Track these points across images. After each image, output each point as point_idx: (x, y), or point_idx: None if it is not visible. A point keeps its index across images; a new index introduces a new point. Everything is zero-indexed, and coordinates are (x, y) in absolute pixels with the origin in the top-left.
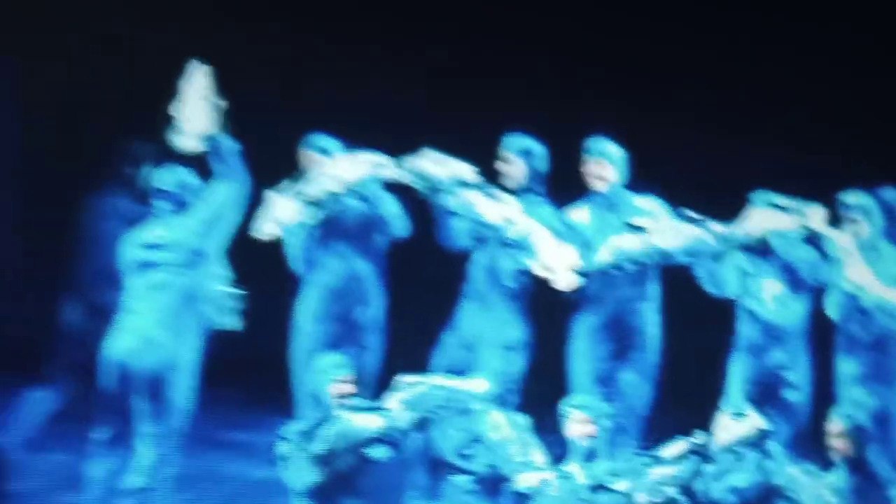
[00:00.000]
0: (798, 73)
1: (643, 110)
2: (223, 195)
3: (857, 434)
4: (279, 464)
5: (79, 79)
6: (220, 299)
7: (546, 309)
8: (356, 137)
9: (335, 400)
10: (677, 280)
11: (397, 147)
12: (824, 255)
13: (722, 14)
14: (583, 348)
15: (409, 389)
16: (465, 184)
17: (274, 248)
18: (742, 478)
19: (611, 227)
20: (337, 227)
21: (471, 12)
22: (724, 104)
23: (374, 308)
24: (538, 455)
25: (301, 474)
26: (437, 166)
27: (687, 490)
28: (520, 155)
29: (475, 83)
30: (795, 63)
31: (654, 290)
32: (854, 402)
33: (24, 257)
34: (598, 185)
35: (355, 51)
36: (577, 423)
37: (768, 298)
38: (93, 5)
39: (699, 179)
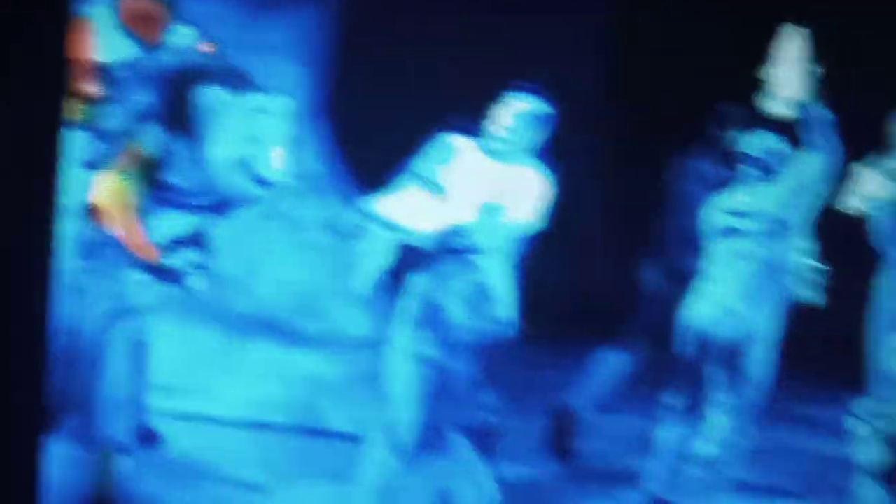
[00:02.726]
0: None
1: None
2: (812, 165)
3: None
4: (849, 441)
5: (674, 41)
6: (803, 272)
7: None
8: None
9: None
10: None
11: None
12: None
13: None
14: None
15: None
16: None
17: (859, 224)
18: None
19: None
20: None
21: None
22: None
23: None
24: None
25: (871, 453)
26: None
27: None
28: None
29: None
30: None
31: None
32: None
33: (609, 215)
34: None
35: None
36: None
37: None
38: None
39: None
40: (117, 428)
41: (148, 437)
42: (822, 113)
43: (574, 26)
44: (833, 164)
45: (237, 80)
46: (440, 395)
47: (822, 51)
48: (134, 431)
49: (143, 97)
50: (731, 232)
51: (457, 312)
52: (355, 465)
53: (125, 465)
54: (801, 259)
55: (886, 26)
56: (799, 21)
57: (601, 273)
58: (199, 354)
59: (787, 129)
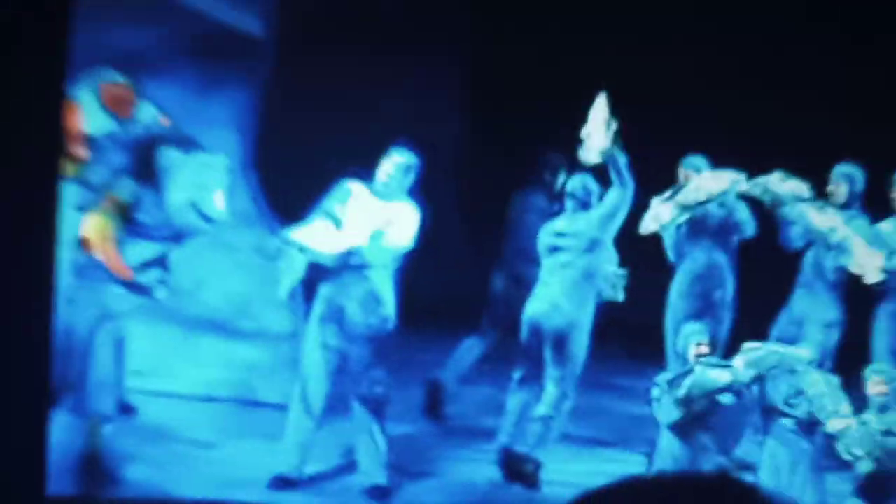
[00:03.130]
0: None
1: None
2: (616, 198)
3: None
4: (652, 403)
5: (515, 107)
6: (611, 277)
7: (857, 297)
8: (720, 158)
9: (695, 358)
10: None
11: (750, 167)
12: None
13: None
14: (884, 328)
15: (751, 353)
16: (801, 199)
17: (653, 240)
18: None
19: None
20: (702, 226)
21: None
22: None
23: (727, 290)
24: (845, 406)
25: (668, 412)
26: (780, 184)
27: None
28: (844, 179)
29: (808, 131)
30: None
31: None
32: None
33: (467, 238)
34: None
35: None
36: (876, 384)
37: None
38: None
39: None
40: (103, 403)
41: (126, 409)
42: (622, 158)
43: (439, 99)
44: (631, 196)
45: (187, 144)
46: (342, 373)
47: (622, 112)
48: (115, 405)
49: (118, 158)
50: (557, 248)
51: (354, 311)
52: (281, 427)
53: (109, 431)
54: (610, 267)
55: (674, 93)
56: (604, 90)
57: (462, 280)
58: (163, 347)
59: (598, 172)
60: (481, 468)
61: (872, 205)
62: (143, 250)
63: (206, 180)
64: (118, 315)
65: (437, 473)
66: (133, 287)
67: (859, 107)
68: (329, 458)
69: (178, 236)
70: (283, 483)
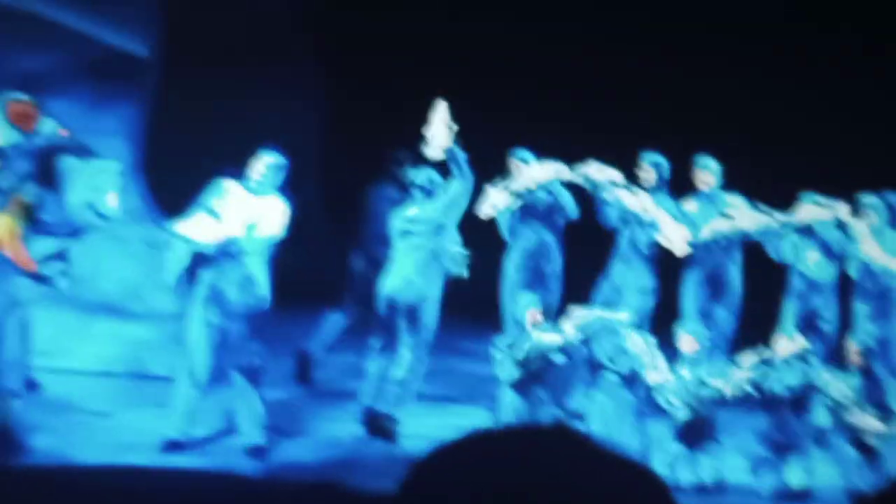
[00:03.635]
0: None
1: (732, 136)
2: (457, 188)
3: (867, 352)
4: (494, 364)
5: (372, 110)
6: (455, 256)
7: (667, 267)
8: (545, 151)
9: (530, 324)
10: (753, 250)
11: (573, 158)
12: (849, 236)
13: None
14: (691, 293)
15: (578, 317)
16: (616, 184)
17: (490, 223)
18: (793, 378)
19: (710, 215)
20: (531, 210)
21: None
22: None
23: (555, 264)
24: (661, 362)
25: (507, 372)
26: (598, 172)
27: (757, 387)
28: (652, 165)
29: (625, 123)
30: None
31: (738, 256)
32: (866, 332)
33: (329, 224)
34: (702, 187)
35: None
36: (687, 341)
37: (811, 264)
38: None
39: (765, 183)
40: (11, 381)
41: (32, 386)
42: (461, 154)
43: (303, 107)
44: (470, 186)
45: (83, 152)
46: (223, 347)
47: (457, 116)
48: (22, 382)
49: (23, 166)
50: (407, 232)
51: (232, 293)
52: (169, 396)
53: (16, 405)
54: (454, 248)
55: (502, 94)
56: (443, 96)
57: (325, 262)
58: (63, 329)
59: (440, 166)
60: (347, 426)
61: (677, 187)
62: (46, 245)
63: (100, 183)
64: (24, 303)
65: (308, 432)
66: (37, 278)
67: (664, 98)
68: (213, 423)
69: (76, 232)
70: (172, 446)
